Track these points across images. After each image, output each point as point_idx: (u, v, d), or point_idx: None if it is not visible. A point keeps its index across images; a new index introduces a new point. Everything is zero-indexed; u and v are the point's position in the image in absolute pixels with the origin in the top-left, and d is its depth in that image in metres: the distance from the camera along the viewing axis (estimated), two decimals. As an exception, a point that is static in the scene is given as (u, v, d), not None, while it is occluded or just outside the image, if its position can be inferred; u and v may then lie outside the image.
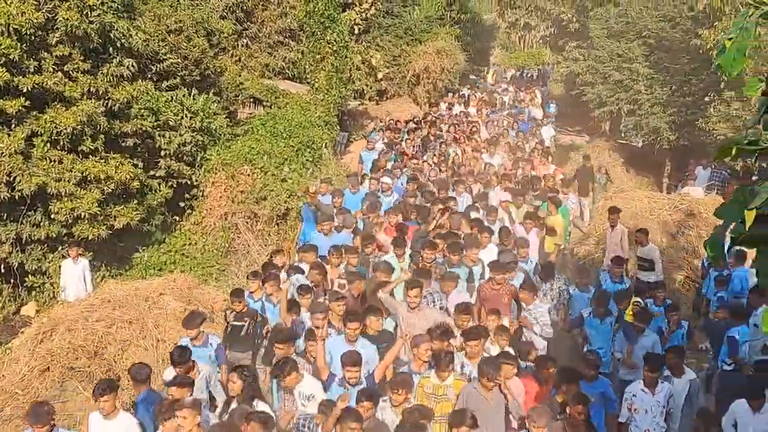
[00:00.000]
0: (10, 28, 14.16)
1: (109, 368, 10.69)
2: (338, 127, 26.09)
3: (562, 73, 42.21)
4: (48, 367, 10.64)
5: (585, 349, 11.94)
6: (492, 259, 13.13)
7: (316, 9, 24.86)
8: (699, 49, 24.26)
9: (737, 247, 4.39)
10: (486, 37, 50.44)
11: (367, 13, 33.12)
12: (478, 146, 24.14)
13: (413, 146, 23.69)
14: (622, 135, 32.99)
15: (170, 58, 19.32)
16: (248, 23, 26.16)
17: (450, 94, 36.52)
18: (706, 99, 24.87)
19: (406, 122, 28.77)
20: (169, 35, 19.63)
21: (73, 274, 14.29)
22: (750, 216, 4.04)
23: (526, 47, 59.51)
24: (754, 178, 20.50)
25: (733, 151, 4.23)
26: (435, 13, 40.55)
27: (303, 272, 12.58)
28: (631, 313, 12.08)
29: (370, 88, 33.60)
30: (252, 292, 11.93)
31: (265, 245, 17.59)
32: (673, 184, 26.76)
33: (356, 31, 32.46)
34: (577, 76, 34.63)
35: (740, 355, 11.59)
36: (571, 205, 19.34)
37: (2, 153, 13.81)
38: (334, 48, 25.20)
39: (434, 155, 23.37)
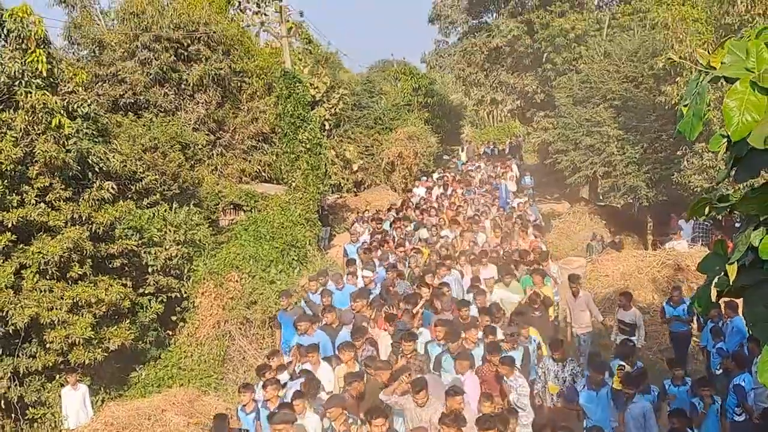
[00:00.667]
0: (-9, 167, 14.37)
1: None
2: (320, 222, 26.32)
3: (534, 143, 42.94)
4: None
5: (585, 424, 11.46)
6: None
7: (286, 111, 25.37)
8: (665, 105, 24.78)
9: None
10: (455, 117, 51.33)
11: (335, 108, 33.82)
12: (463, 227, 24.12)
13: (403, 234, 23.52)
14: (601, 197, 33.37)
15: (148, 175, 19.61)
16: (221, 132, 26.63)
17: (424, 178, 36.73)
18: (679, 153, 25.31)
19: (387, 210, 28.93)
20: (145, 153, 19.98)
21: (74, 401, 14.21)
22: (732, 270, 4.20)
23: (495, 122, 60.61)
24: (736, 225, 20.75)
25: (706, 210, 4.40)
26: (402, 100, 41.39)
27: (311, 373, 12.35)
28: (617, 378, 11.63)
29: (347, 180, 34.06)
30: (244, 405, 11.52)
31: (261, 349, 17.58)
32: (657, 239, 26.97)
33: (327, 127, 33.10)
34: (549, 144, 35.17)
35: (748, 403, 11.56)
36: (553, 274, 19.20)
37: (-7, 289, 13.86)
38: (308, 146, 25.63)
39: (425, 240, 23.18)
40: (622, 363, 11.98)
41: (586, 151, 30.06)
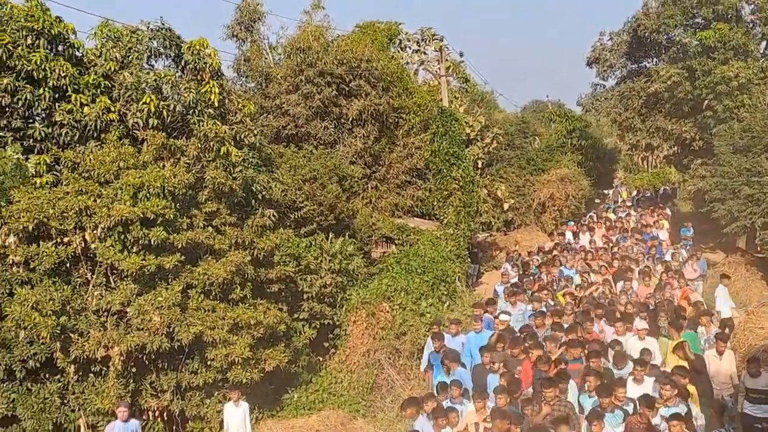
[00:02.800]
0: (165, 190, 15.34)
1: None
2: (469, 259, 26.54)
3: (689, 191, 41.88)
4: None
5: None
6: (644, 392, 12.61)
7: (441, 148, 25.90)
8: None
9: None
10: (608, 161, 50.71)
11: (489, 147, 34.12)
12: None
13: (550, 277, 23.30)
14: (759, 249, 32.26)
15: (307, 205, 20.41)
16: (376, 166, 27.26)
17: (571, 223, 36.37)
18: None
19: (529, 253, 28.85)
20: (305, 184, 20.77)
21: (235, 417, 14.87)
22: None
23: (649, 168, 59.51)
24: None
25: None
26: (556, 142, 41.30)
27: None
28: None
29: (497, 219, 34.23)
30: None
31: (408, 379, 17.91)
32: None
33: (480, 165, 33.40)
34: (705, 193, 34.29)
35: None
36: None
37: (162, 306, 14.73)
38: (461, 183, 26.03)
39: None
40: None
41: (745, 201, 29.16)
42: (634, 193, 56.84)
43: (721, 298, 22.27)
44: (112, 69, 17.40)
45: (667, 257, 26.78)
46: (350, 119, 26.23)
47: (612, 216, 38.07)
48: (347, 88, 26.37)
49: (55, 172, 16.37)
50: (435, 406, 12.30)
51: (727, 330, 17.64)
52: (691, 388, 13.02)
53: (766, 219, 28.12)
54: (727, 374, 14.75)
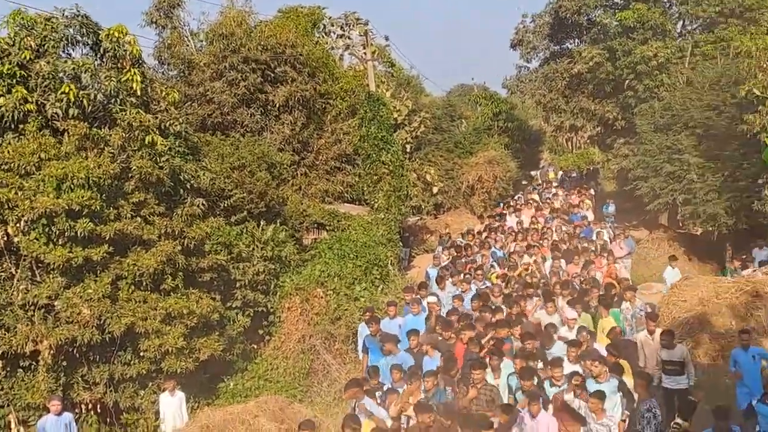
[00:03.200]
0: (90, 181, 15.06)
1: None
2: (401, 243, 26.61)
3: (613, 170, 42.62)
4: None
5: None
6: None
7: (370, 133, 25.87)
8: (746, 134, 24.44)
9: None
10: (534, 142, 51.32)
11: (417, 131, 34.15)
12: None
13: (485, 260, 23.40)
14: (680, 224, 33.00)
15: (236, 193, 20.19)
16: (305, 153, 27.09)
17: (501, 205, 36.83)
18: (760, 181, 24.94)
19: (463, 235, 28.96)
20: (233, 172, 20.54)
21: (171, 406, 14.71)
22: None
23: (574, 148, 60.38)
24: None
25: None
26: (482, 125, 41.62)
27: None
28: None
29: (427, 202, 34.31)
30: None
31: (344, 363, 17.94)
32: (737, 268, 26.61)
33: (408, 149, 33.42)
34: (628, 171, 34.96)
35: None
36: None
37: (91, 298, 14.48)
38: (390, 168, 26.04)
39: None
40: (677, 421, 11.12)
41: (666, 178, 29.80)
42: (560, 173, 57.62)
43: (669, 279, 22.70)
44: (28, 58, 16.84)
45: (594, 236, 27.13)
46: (277, 106, 25.99)
47: (536, 197, 38.48)
48: (273, 75, 26.12)
49: (-30, 166, 15.95)
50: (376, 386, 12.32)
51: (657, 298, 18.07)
52: (625, 363, 13.15)
53: (687, 195, 28.77)
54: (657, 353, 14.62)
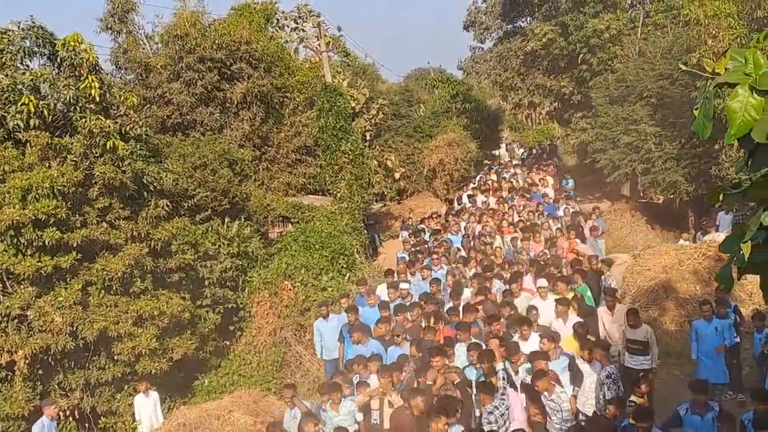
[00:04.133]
0: (55, 190, 15.22)
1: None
2: (366, 231, 26.91)
3: (572, 144, 43.14)
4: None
5: None
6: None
7: (328, 123, 26.09)
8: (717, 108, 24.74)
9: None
10: (493, 122, 51.70)
11: (375, 119, 34.46)
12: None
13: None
14: (642, 194, 33.57)
15: (199, 192, 20.39)
16: (266, 147, 27.34)
17: (465, 185, 37.00)
18: (716, 147, 25.46)
19: (429, 218, 29.14)
20: (196, 171, 20.74)
21: (147, 407, 15.01)
22: (746, 248, 4.75)
23: (533, 125, 60.92)
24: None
25: (720, 196, 4.97)
26: (440, 108, 41.92)
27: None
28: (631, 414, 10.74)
29: (390, 188, 34.59)
30: None
31: (315, 354, 18.17)
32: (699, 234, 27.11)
33: (368, 137, 33.74)
34: (588, 144, 35.45)
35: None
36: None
37: (63, 306, 14.67)
38: (351, 157, 26.29)
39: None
40: (633, 399, 11.35)
41: (624, 149, 30.24)
42: (522, 150, 58.04)
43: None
44: (-14, 71, 17.08)
45: (561, 212, 27.42)
46: (235, 103, 26.22)
47: (494, 177, 38.72)
48: (229, 72, 26.34)
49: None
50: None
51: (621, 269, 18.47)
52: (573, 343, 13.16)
53: (646, 165, 29.23)
54: (619, 329, 14.78)
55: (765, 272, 4.87)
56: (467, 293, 16.87)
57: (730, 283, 5.20)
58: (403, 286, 17.84)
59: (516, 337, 13.50)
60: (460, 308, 15.35)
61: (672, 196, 29.33)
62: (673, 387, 14.73)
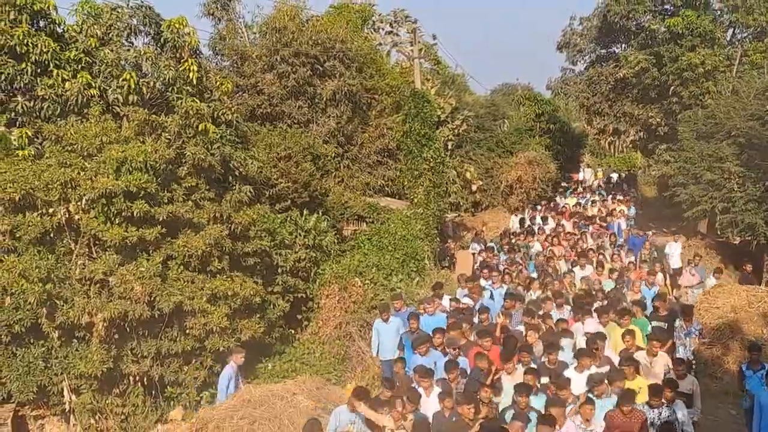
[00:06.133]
0: (147, 165, 15.86)
1: (256, 460, 11.83)
2: (438, 239, 27.21)
3: (654, 175, 42.78)
4: (204, 460, 11.83)
5: None
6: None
7: (413, 129, 26.51)
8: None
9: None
10: (576, 145, 51.53)
11: (459, 129, 34.75)
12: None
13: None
14: (719, 233, 33.21)
15: (281, 182, 20.95)
16: (349, 146, 27.78)
17: (537, 207, 36.91)
18: (800, 193, 25.17)
19: (501, 236, 29.25)
20: (280, 162, 21.29)
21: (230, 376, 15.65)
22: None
23: (616, 152, 60.48)
24: None
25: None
26: (524, 125, 42.04)
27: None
28: None
29: (466, 200, 34.89)
30: None
31: (379, 352, 18.52)
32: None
33: (449, 147, 34.02)
34: (669, 178, 35.14)
35: None
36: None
37: (143, 276, 15.28)
38: (431, 164, 26.68)
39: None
40: None
41: (706, 186, 29.95)
42: (610, 176, 57.41)
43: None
44: (93, 45, 17.94)
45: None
46: (324, 99, 26.69)
47: (570, 201, 38.59)
48: (321, 69, 26.83)
49: (36, 146, 16.88)
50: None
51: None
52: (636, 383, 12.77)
53: (726, 204, 28.93)
54: (657, 378, 13.69)
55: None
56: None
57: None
58: (465, 300, 18.17)
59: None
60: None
61: (749, 238, 28.96)
62: (727, 425, 14.75)
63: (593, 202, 38.77)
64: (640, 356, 14.27)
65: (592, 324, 16.01)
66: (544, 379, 12.82)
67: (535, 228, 30.49)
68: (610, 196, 41.80)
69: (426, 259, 23.81)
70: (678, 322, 17.08)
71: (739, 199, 28.28)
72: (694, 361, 16.23)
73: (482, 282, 20.05)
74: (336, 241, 21.70)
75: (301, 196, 21.65)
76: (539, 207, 36.83)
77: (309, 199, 21.96)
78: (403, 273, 21.34)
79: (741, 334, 18.71)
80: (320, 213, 21.59)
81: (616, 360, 13.99)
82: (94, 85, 17.19)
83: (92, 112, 16.87)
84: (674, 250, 26.55)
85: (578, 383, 12.73)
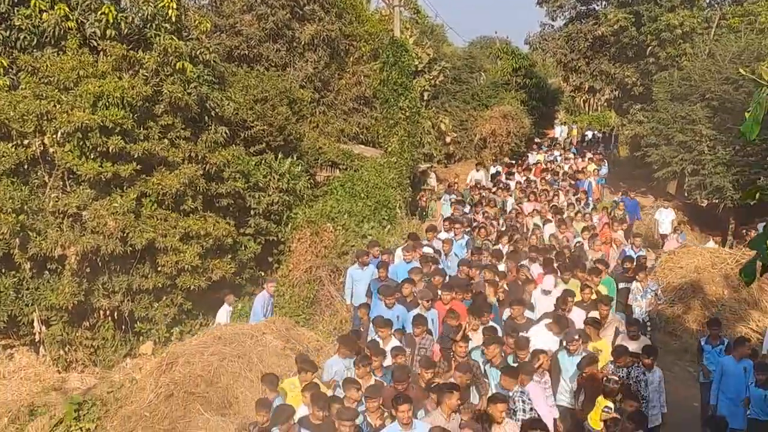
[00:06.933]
0: (124, 101, 15.85)
1: (224, 394, 12.04)
2: (410, 188, 27.38)
3: (626, 135, 43.03)
4: (172, 393, 12.02)
5: None
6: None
7: (390, 77, 26.51)
8: (769, 113, 24.68)
9: None
10: (551, 101, 51.60)
11: (435, 80, 34.71)
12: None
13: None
14: (687, 194, 33.59)
15: (257, 125, 20.91)
16: (325, 92, 27.76)
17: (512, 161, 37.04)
18: (768, 158, 25.51)
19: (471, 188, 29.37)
20: (256, 104, 21.24)
21: (222, 316, 16.22)
22: (772, 245, 5.20)
23: (590, 110, 60.73)
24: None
25: (757, 195, 5.40)
26: (501, 79, 42.05)
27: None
28: (599, 419, 10.71)
29: (439, 151, 34.93)
30: None
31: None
32: (738, 241, 27.15)
33: (425, 97, 34.02)
34: (642, 138, 35.41)
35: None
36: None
37: (117, 212, 15.34)
38: (407, 114, 26.71)
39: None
40: (608, 405, 10.68)
41: (677, 148, 30.22)
42: (575, 133, 57.71)
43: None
44: (71, -24, 17.67)
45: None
46: (302, 43, 26.58)
47: (540, 158, 38.90)
48: (301, 12, 26.67)
49: (11, 76, 16.76)
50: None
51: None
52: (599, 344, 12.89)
53: (696, 166, 29.26)
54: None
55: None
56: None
57: (752, 277, 5.65)
58: (443, 235, 18.44)
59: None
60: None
61: (716, 201, 29.34)
62: (683, 381, 15.15)
63: (566, 159, 39.02)
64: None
65: (549, 281, 15.82)
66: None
67: (512, 184, 30.62)
68: (581, 154, 42.00)
69: (398, 208, 23.96)
70: (634, 284, 16.98)
71: (708, 162, 28.59)
72: (648, 323, 16.36)
73: (444, 234, 20.19)
74: (309, 186, 21.81)
75: (276, 139, 21.65)
76: (513, 162, 36.97)
77: (284, 143, 21.96)
78: (374, 220, 21.50)
79: (702, 294, 19.17)
80: (294, 157, 21.65)
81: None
82: (71, 17, 16.96)
83: (69, 44, 16.70)
84: (665, 217, 26.84)
85: (551, 341, 12.84)
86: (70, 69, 16.03)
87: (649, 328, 16.12)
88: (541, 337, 12.78)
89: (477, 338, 12.70)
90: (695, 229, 30.33)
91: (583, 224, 22.57)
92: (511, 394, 10.64)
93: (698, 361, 14.12)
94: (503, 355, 11.94)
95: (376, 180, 23.88)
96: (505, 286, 15.79)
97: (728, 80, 28.68)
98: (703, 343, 14.06)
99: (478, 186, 29.36)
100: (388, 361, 11.75)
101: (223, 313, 16.40)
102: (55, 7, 16.86)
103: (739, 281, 18.70)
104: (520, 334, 12.55)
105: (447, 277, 16.15)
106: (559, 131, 56.22)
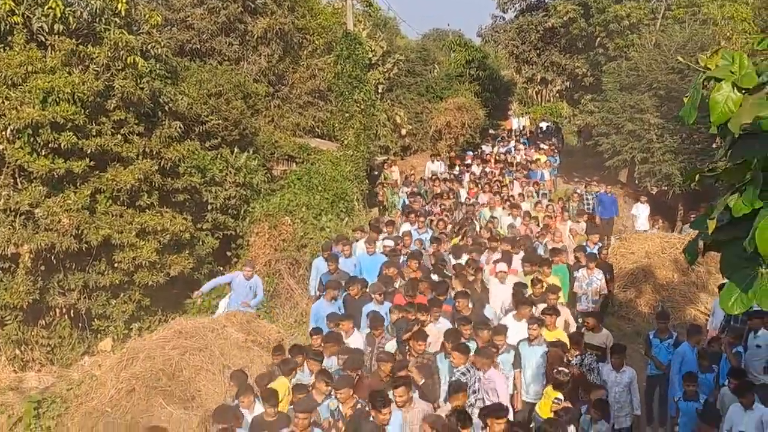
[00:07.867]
0: (75, 96, 15.75)
1: (186, 388, 12.04)
2: (367, 181, 27.47)
3: (577, 125, 43.51)
4: (133, 388, 11.95)
5: None
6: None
7: (345, 70, 26.52)
8: (706, 99, 25.19)
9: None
10: (504, 92, 51.94)
11: (390, 73, 34.86)
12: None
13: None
14: (637, 182, 34.06)
15: (212, 119, 20.86)
16: (279, 85, 27.76)
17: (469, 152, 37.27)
18: (714, 145, 25.96)
19: (425, 181, 29.56)
20: (210, 99, 21.20)
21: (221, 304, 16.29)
22: (711, 224, 5.38)
23: (543, 101, 61.18)
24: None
25: (696, 177, 5.59)
26: (455, 71, 42.22)
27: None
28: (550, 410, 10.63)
29: (395, 143, 35.03)
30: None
31: (306, 289, 18.73)
32: (687, 226, 27.60)
33: (380, 90, 34.11)
34: (592, 127, 35.86)
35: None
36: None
37: (71, 209, 15.24)
38: (362, 107, 26.77)
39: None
40: (558, 396, 10.56)
41: (627, 136, 30.73)
42: (529, 124, 58.15)
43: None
44: (15, -29, 17.41)
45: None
46: (255, 37, 26.55)
47: (494, 149, 39.21)
48: (253, 5, 26.62)
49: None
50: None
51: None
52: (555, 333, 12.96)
53: (645, 154, 29.79)
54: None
55: (727, 250, 5.48)
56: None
57: (695, 256, 5.84)
58: (386, 242, 18.22)
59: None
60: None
61: (665, 188, 29.87)
62: (635, 363, 15.40)
63: (517, 150, 39.33)
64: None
65: (502, 268, 15.81)
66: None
67: (466, 175, 30.84)
68: (534, 145, 42.33)
69: (355, 200, 24.07)
70: (580, 272, 16.69)
71: (657, 150, 29.14)
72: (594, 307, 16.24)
73: (407, 227, 20.31)
74: (266, 180, 21.85)
75: (232, 134, 21.63)
76: (470, 154, 37.16)
77: (239, 138, 21.95)
78: (332, 213, 21.60)
79: (653, 278, 19.57)
80: (251, 151, 21.64)
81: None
82: (17, 12, 16.67)
83: (16, 40, 16.48)
84: (641, 212, 27.05)
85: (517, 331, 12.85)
86: (18, 65, 15.85)
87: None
88: (511, 332, 12.66)
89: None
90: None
91: (542, 214, 22.73)
92: (462, 370, 10.86)
93: (647, 354, 13.98)
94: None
95: (333, 173, 23.96)
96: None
97: (674, 70, 29.20)
98: (651, 337, 13.90)
99: (433, 178, 29.49)
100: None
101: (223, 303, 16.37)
102: (0, 2, 16.61)
103: (688, 266, 19.18)
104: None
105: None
106: (516, 123, 56.62)
